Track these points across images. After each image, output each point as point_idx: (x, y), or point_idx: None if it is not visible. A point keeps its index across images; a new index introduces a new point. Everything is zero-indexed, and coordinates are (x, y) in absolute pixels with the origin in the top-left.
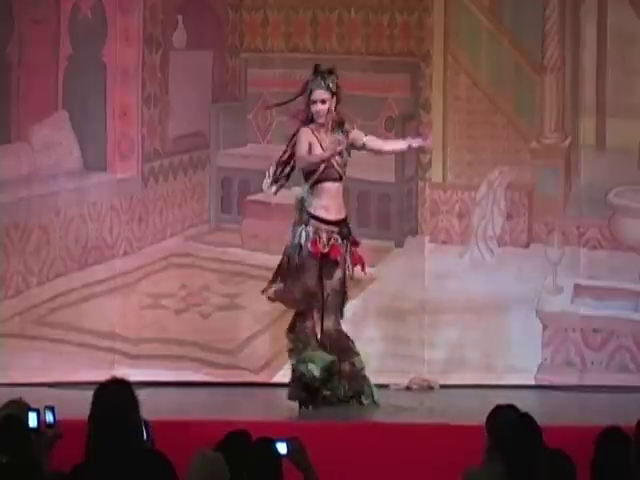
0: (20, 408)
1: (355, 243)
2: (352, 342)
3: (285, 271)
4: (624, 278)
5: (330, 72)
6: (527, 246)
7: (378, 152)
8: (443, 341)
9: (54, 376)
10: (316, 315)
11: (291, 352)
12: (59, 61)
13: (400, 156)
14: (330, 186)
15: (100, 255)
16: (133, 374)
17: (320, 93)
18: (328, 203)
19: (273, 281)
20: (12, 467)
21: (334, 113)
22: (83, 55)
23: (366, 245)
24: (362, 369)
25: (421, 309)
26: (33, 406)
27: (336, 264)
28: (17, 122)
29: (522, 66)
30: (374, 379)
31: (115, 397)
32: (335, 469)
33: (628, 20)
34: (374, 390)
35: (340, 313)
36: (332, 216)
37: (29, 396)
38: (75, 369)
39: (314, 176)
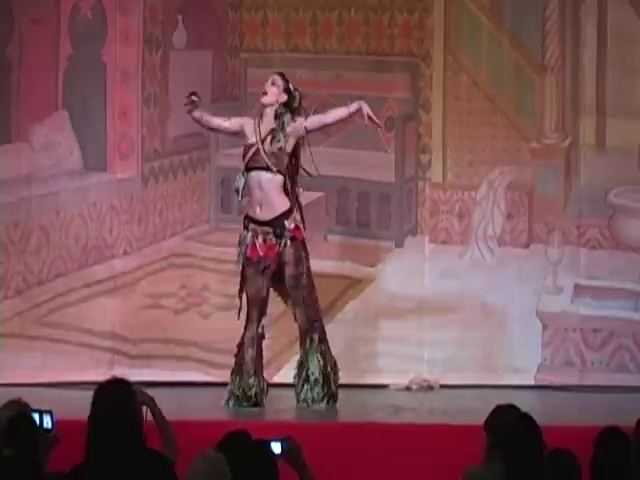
0: (20, 408)
1: (293, 238)
2: (325, 345)
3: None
4: (624, 278)
5: (297, 89)
6: (527, 246)
7: (324, 126)
8: (443, 341)
9: (54, 376)
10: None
11: (232, 372)
12: (59, 61)
13: (400, 156)
14: (259, 176)
15: (100, 255)
16: (133, 374)
17: (274, 77)
18: (260, 197)
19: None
20: (15, 461)
21: (279, 107)
22: (83, 55)
23: (366, 245)
24: (329, 367)
25: (421, 309)
26: (33, 406)
27: (284, 263)
28: (17, 122)
29: (522, 66)
30: (374, 379)
31: (115, 397)
32: (335, 469)
33: (628, 20)
34: (317, 388)
35: (310, 307)
36: (265, 215)
37: (28, 396)
38: (75, 369)
39: (244, 161)
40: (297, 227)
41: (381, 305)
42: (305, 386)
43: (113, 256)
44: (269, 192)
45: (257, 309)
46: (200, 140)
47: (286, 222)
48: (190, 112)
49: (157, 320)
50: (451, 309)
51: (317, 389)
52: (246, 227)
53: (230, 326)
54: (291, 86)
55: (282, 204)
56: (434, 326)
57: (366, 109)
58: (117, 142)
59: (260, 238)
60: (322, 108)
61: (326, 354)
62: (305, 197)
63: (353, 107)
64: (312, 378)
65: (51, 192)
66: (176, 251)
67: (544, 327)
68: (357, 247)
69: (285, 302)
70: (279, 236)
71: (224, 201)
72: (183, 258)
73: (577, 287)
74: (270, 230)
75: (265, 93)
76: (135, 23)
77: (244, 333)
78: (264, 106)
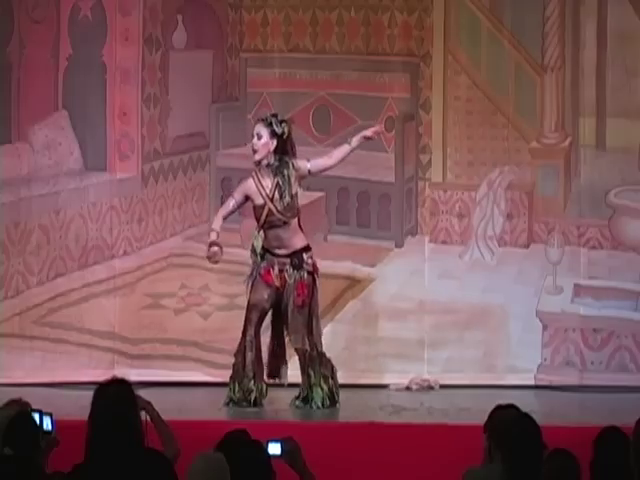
0: (21, 407)
1: (312, 272)
2: (325, 367)
3: None
4: (624, 278)
5: (283, 120)
6: (527, 246)
7: (328, 169)
8: (443, 341)
9: (54, 376)
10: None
11: (231, 376)
12: (59, 61)
13: (400, 156)
14: (276, 232)
15: (100, 255)
16: (133, 374)
17: (258, 127)
18: (279, 244)
19: None
20: (15, 460)
21: (274, 156)
22: (83, 55)
23: (366, 245)
24: (331, 382)
25: (421, 309)
26: (33, 406)
27: (293, 292)
28: (17, 122)
29: (522, 66)
30: (374, 379)
31: (115, 397)
32: (335, 469)
33: (628, 20)
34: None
35: (309, 333)
36: (284, 252)
37: (28, 396)
38: (75, 369)
39: (259, 223)
40: (315, 264)
41: (381, 305)
42: (307, 407)
43: (113, 256)
44: (288, 238)
45: (257, 314)
46: (200, 140)
47: (305, 255)
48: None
49: (157, 320)
50: (451, 309)
51: (320, 411)
52: (262, 256)
53: (230, 326)
54: (275, 126)
55: (300, 242)
56: (434, 326)
57: (370, 133)
58: (117, 142)
59: (276, 268)
60: (322, 108)
61: (328, 378)
62: (305, 197)
63: (355, 142)
64: (315, 407)
65: (51, 192)
66: (176, 251)
67: (544, 327)
68: (357, 247)
69: (286, 334)
70: (297, 267)
71: (224, 201)
72: (183, 258)
73: (577, 287)
74: (288, 261)
75: (255, 151)
76: (135, 23)
77: (242, 339)
78: (259, 162)
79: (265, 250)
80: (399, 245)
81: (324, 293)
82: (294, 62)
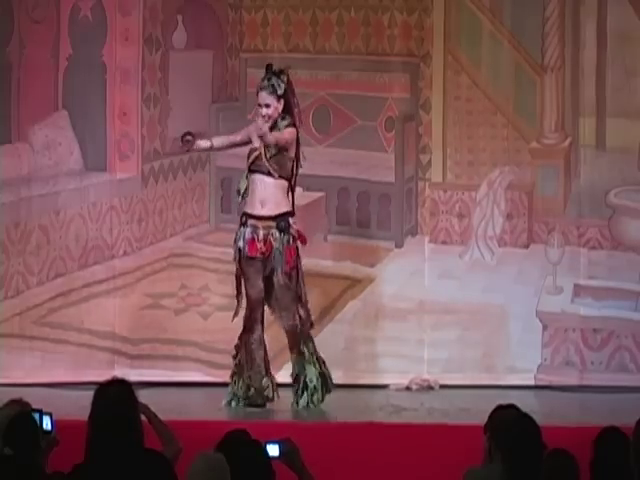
0: (21, 407)
1: (299, 238)
2: (305, 341)
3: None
4: (624, 278)
5: (280, 72)
6: (527, 246)
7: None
8: (443, 341)
9: (54, 376)
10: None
11: (234, 374)
12: (59, 61)
13: (400, 156)
14: (262, 179)
15: (100, 255)
16: (133, 374)
17: (263, 97)
18: (264, 197)
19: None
20: (15, 460)
21: (280, 115)
22: (83, 55)
23: (366, 245)
24: (323, 368)
25: (421, 309)
26: (33, 406)
27: (281, 262)
28: (17, 122)
29: (522, 66)
30: (374, 379)
31: (115, 397)
32: (335, 470)
33: (628, 20)
34: (317, 394)
35: (297, 307)
36: (268, 212)
37: (28, 396)
38: (75, 369)
39: (247, 163)
40: (299, 231)
41: (381, 305)
42: (305, 393)
43: (113, 256)
44: (273, 194)
45: (260, 310)
46: None
47: (290, 219)
48: (190, 150)
49: (157, 320)
50: (451, 309)
51: (317, 395)
52: (244, 224)
53: (230, 326)
54: (278, 89)
55: (286, 205)
56: (434, 326)
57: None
58: (117, 142)
59: (261, 233)
60: (322, 108)
61: (319, 357)
62: (305, 197)
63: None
64: (311, 385)
65: (51, 192)
66: (176, 251)
67: (544, 327)
68: (357, 247)
69: (271, 309)
70: (283, 230)
71: (224, 201)
72: (183, 258)
73: (577, 287)
74: (273, 224)
75: (266, 120)
76: (135, 23)
77: (244, 335)
78: (264, 119)
79: (247, 216)
80: (399, 245)
81: (324, 293)
82: (294, 62)
